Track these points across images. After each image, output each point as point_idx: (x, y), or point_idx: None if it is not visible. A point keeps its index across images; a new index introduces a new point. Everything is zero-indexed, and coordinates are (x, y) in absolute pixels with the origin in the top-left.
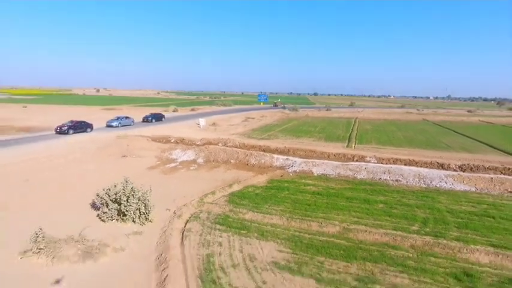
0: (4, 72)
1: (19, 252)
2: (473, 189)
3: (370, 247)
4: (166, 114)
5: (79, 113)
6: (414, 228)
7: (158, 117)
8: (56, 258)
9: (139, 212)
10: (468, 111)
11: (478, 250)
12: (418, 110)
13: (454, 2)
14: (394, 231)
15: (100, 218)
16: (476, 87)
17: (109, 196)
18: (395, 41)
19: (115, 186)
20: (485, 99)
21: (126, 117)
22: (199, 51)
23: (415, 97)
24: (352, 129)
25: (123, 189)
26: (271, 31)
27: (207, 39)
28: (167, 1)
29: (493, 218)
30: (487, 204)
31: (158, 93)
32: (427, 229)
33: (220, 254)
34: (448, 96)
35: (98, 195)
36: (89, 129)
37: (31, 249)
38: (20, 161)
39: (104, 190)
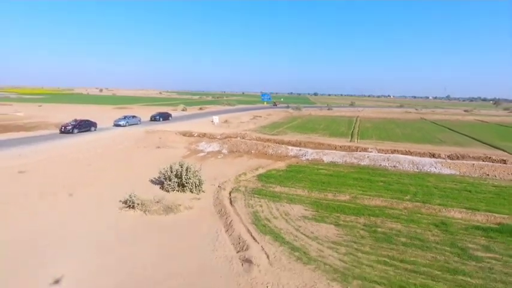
0: (4, 72)
1: (118, 208)
2: (458, 172)
3: (373, 208)
4: (175, 113)
5: (92, 112)
6: (407, 197)
7: (165, 117)
8: (147, 211)
9: (195, 185)
10: (465, 110)
11: (453, 210)
12: (416, 109)
13: (453, 2)
14: (391, 199)
15: (163, 189)
16: (476, 88)
17: (171, 172)
18: (395, 41)
19: (174, 164)
20: (484, 99)
21: (133, 116)
22: (199, 51)
23: (415, 97)
24: (354, 127)
25: (181, 167)
26: (271, 31)
27: (207, 39)
28: (167, 1)
29: (470, 191)
30: (467, 183)
31: (160, 92)
32: (417, 198)
33: (262, 211)
34: (447, 96)
35: (160, 172)
36: (93, 128)
37: (127, 206)
38: (78, 150)
39: (164, 169)
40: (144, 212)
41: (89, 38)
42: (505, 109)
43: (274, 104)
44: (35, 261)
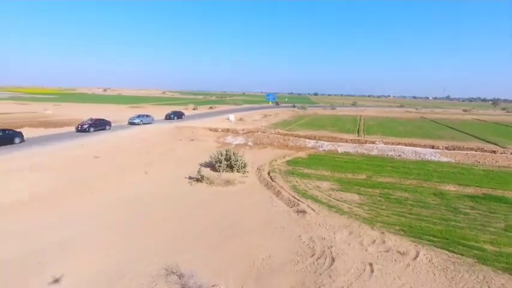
0: (4, 72)
1: (188, 182)
2: (453, 160)
3: (385, 184)
4: (186, 112)
5: (107, 111)
6: (411, 177)
7: (179, 115)
8: (212, 184)
9: (241, 166)
10: (464, 110)
11: (449, 185)
12: (416, 109)
13: (453, 2)
14: (399, 178)
15: (214, 170)
16: (475, 88)
17: (222, 155)
18: (395, 41)
19: (223, 150)
20: (483, 100)
21: (147, 116)
22: (199, 52)
23: (415, 97)
24: (359, 124)
25: (227, 152)
26: (271, 31)
27: (207, 40)
28: (167, 1)
29: (463, 174)
30: (461, 168)
31: (164, 92)
32: (420, 177)
33: (299, 185)
34: (447, 97)
35: (211, 156)
36: (107, 127)
37: (196, 180)
38: (127, 141)
39: (214, 153)
40: (210, 184)
41: (88, 38)
42: (503, 109)
43: (277, 104)
44: (149, 208)
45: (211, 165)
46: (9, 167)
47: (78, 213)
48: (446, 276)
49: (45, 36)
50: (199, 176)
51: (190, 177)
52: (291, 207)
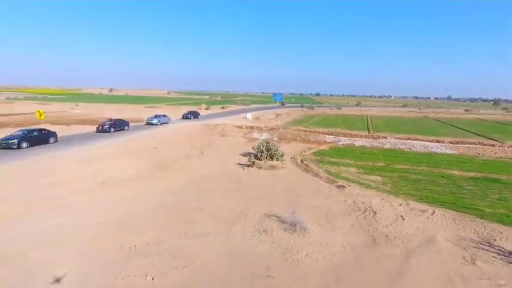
0: (4, 71)
1: (240, 167)
2: (457, 152)
3: (401, 169)
4: (201, 112)
5: (124, 111)
6: (423, 164)
7: (195, 115)
8: (260, 168)
9: (279, 155)
10: (465, 110)
11: (454, 170)
12: (419, 109)
13: (454, 3)
14: (412, 165)
15: (257, 158)
16: (476, 88)
17: (263, 146)
18: (396, 41)
19: (263, 142)
20: (484, 100)
21: (164, 116)
22: (201, 52)
23: (416, 97)
24: (367, 123)
25: (267, 144)
26: (272, 32)
27: (208, 40)
28: (167, 2)
29: (465, 162)
30: (464, 158)
31: (168, 93)
32: (430, 165)
33: (331, 170)
34: (449, 97)
35: (253, 148)
36: (126, 127)
37: (247, 165)
38: (171, 137)
39: (256, 145)
40: (259, 168)
41: (89, 38)
42: (503, 109)
43: (283, 104)
44: (227, 182)
45: (253, 155)
46: (94, 155)
47: (179, 183)
48: (455, 223)
49: (45, 36)
50: (250, 162)
51: (240, 164)
52: (330, 184)
